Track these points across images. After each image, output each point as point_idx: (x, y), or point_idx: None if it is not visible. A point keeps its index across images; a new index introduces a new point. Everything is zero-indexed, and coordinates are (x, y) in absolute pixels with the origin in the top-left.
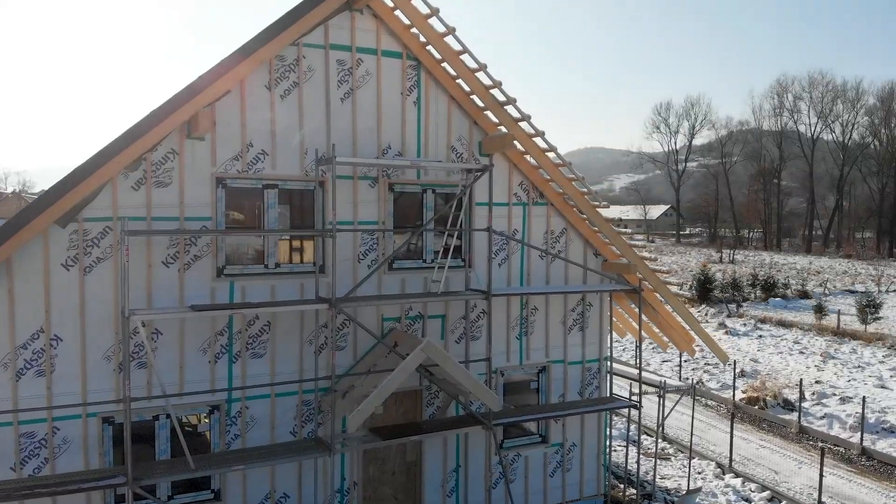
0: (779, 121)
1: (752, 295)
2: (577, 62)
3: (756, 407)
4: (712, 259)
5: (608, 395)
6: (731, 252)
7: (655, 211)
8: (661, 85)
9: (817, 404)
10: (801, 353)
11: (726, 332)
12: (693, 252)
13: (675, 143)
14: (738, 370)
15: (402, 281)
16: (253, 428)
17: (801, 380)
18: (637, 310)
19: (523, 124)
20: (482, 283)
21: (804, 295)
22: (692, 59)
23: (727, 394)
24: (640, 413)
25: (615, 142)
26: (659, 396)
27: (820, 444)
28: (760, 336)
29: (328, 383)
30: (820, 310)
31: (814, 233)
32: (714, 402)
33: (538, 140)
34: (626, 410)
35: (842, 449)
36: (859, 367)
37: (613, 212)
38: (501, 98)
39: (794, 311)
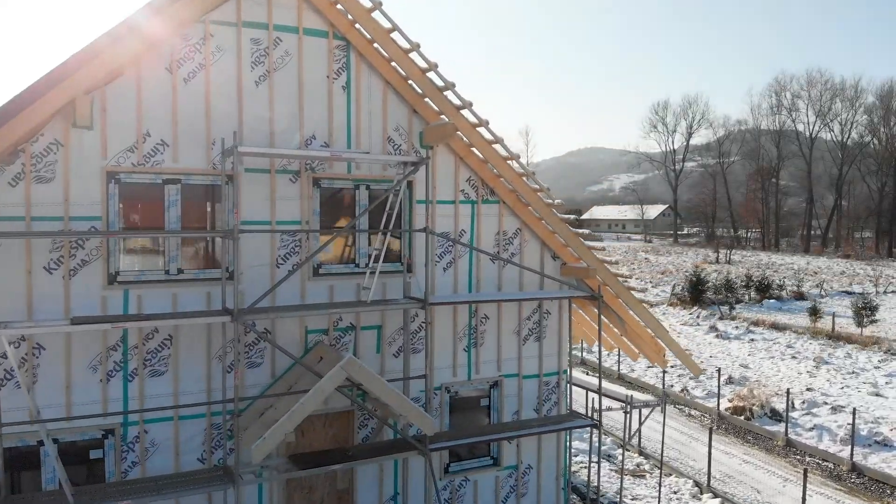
0: (777, 119)
1: (747, 296)
2: (576, 61)
3: (742, 417)
4: (709, 259)
5: (568, 411)
6: (728, 252)
7: (654, 211)
8: (661, 84)
9: (807, 414)
10: (794, 357)
11: (717, 336)
12: (690, 252)
13: (673, 142)
14: (726, 377)
15: (330, 288)
16: (154, 454)
17: (789, 390)
18: (604, 318)
19: (467, 113)
20: (422, 289)
21: (800, 296)
22: (690, 57)
23: (714, 402)
24: (600, 432)
25: (616, 141)
26: (625, 412)
27: (807, 460)
28: (752, 340)
29: (242, 404)
30: (815, 312)
31: (812, 233)
32: (698, 412)
33: (484, 131)
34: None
35: (830, 464)
36: (853, 372)
37: (612, 211)
38: (441, 83)
39: (789, 313)
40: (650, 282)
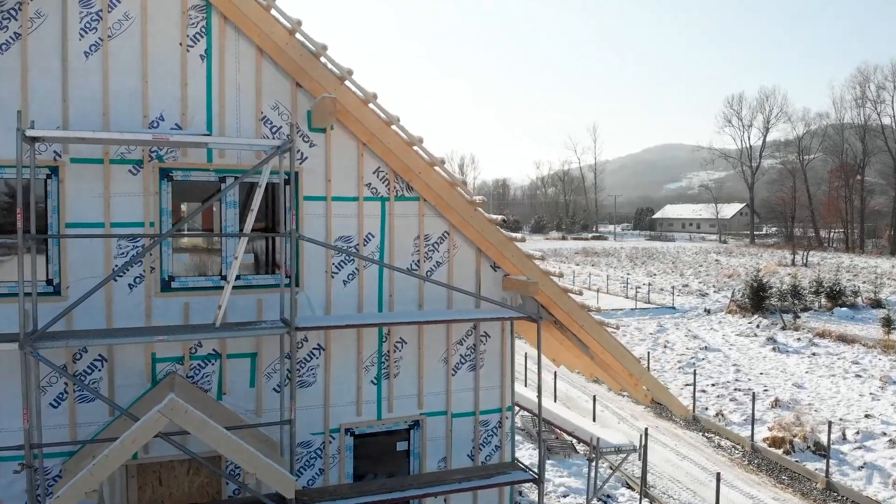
0: (861, 113)
1: (816, 304)
2: (651, 54)
3: (780, 451)
4: (784, 261)
5: (511, 459)
6: (805, 254)
7: (730, 209)
8: (738, 76)
9: (859, 447)
10: (858, 376)
11: (774, 349)
12: (765, 254)
13: (749, 137)
14: (772, 399)
15: (185, 306)
16: None
17: (831, 423)
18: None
19: (356, 88)
20: (316, 308)
21: (877, 304)
22: (767, 49)
23: (754, 430)
24: (541, 488)
25: (696, 138)
26: (589, 460)
27: None
28: (814, 354)
29: (74, 446)
30: (888, 323)
31: None
32: (729, 443)
33: (377, 109)
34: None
35: None
36: None
37: (685, 210)
38: (313, 48)
39: (862, 323)
40: (713, 286)
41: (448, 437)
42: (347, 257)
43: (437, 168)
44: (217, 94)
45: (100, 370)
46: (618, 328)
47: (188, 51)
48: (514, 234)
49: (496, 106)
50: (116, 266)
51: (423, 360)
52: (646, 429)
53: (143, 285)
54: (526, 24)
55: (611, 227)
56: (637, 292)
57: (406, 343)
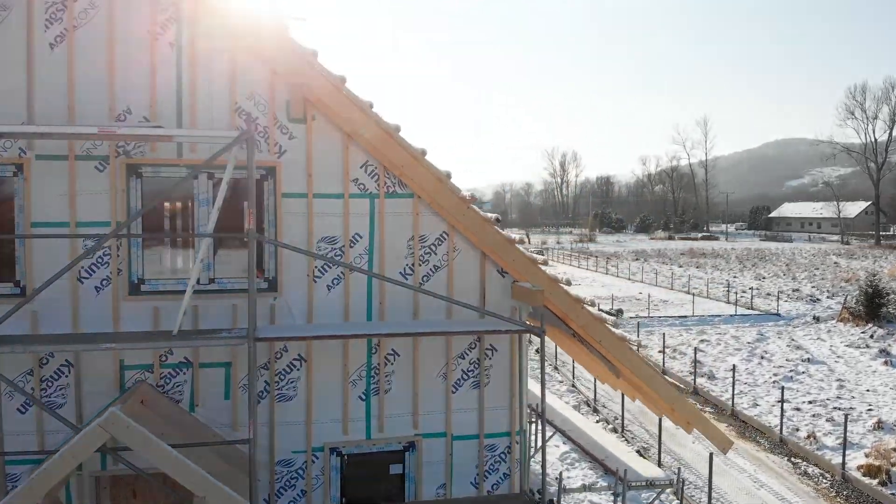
0: None
1: None
2: (771, 42)
3: (875, 481)
4: None
5: (520, 489)
6: None
7: (854, 208)
8: (861, 65)
9: None
10: None
11: (886, 363)
12: (891, 256)
13: (874, 130)
14: (875, 420)
15: (155, 311)
16: None
17: None
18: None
19: (335, 76)
20: (297, 315)
21: None
22: (892, 36)
23: (849, 456)
24: None
25: (815, 131)
26: (615, 494)
27: None
28: None
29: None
30: None
31: None
32: (818, 470)
33: (352, 96)
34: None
35: None
36: None
37: (805, 209)
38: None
39: None
40: (827, 291)
41: (448, 462)
42: (333, 258)
43: (417, 161)
44: (188, 84)
45: (66, 376)
46: (639, 346)
47: (157, 39)
48: (514, 236)
49: (601, 101)
50: (83, 268)
51: (418, 374)
52: (710, 454)
53: (109, 288)
54: (637, 13)
55: (723, 227)
56: (739, 297)
57: (399, 356)
